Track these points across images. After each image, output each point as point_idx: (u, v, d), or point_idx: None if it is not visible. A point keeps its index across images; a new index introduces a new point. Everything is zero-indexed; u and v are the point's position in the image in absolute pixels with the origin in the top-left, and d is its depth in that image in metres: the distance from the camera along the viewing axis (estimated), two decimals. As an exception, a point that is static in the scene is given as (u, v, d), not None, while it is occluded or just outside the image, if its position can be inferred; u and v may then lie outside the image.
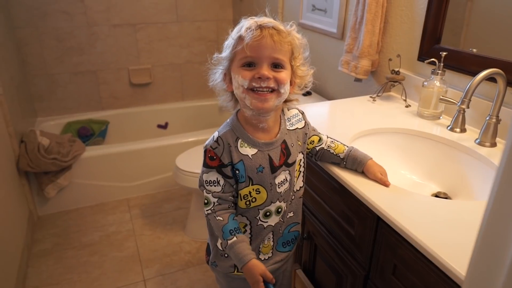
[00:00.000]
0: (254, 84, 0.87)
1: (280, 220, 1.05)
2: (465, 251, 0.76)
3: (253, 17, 0.91)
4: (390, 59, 1.54)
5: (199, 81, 3.11)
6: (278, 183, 0.99)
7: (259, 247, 1.07)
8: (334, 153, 1.08)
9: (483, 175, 1.14)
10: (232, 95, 0.98)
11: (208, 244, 1.15)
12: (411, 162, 1.27)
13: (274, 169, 0.98)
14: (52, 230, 2.27)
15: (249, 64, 0.88)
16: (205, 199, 1.00)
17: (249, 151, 0.96)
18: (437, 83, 1.33)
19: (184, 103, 3.09)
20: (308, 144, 1.08)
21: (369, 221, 0.97)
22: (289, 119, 1.04)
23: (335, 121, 1.35)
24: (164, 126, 3.01)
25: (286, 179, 1.01)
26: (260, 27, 0.87)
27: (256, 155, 0.96)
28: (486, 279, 0.40)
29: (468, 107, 1.11)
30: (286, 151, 1.00)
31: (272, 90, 0.89)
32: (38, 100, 2.75)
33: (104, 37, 2.75)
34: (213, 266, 1.13)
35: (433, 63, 1.34)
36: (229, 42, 0.92)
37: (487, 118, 1.19)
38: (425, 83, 1.36)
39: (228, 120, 1.00)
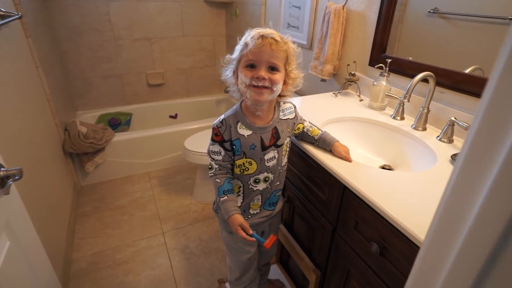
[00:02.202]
0: (253, 82, 0.84)
1: (267, 186, 1.01)
2: (409, 209, 0.75)
3: (259, 28, 0.86)
4: (348, 64, 1.48)
5: (201, 82, 3.01)
6: (267, 159, 0.95)
7: (249, 204, 1.04)
8: (311, 135, 1.04)
9: (417, 152, 1.12)
10: (238, 88, 0.93)
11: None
12: (364, 143, 1.23)
13: (264, 148, 0.94)
14: (92, 196, 2.19)
15: (251, 66, 0.84)
16: (209, 165, 0.98)
17: (245, 132, 0.92)
18: (384, 83, 1.29)
19: (189, 99, 2.98)
20: (295, 130, 1.04)
21: (337, 189, 0.94)
22: (283, 111, 0.99)
23: (308, 111, 1.30)
24: (174, 117, 2.90)
25: (274, 157, 0.97)
26: (262, 36, 0.83)
27: (250, 136, 0.92)
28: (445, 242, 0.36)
29: (409, 101, 1.07)
30: (276, 135, 0.95)
31: (267, 87, 0.85)
32: (77, 97, 2.61)
33: (127, 49, 2.61)
34: (216, 212, 1.11)
35: (381, 67, 1.29)
36: (238, 47, 0.88)
37: (420, 109, 1.16)
38: (375, 83, 1.31)
39: (234, 106, 0.96)
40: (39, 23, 1.98)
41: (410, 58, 1.28)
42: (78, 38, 2.42)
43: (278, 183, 1.05)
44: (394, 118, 1.25)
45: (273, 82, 0.84)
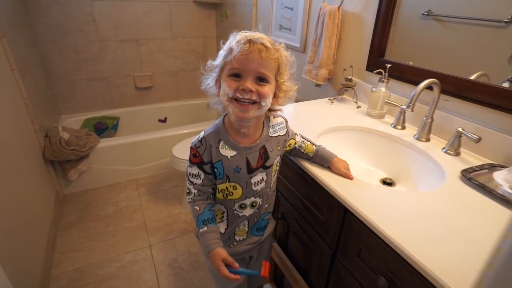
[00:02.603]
0: (238, 94, 0.69)
1: (255, 211, 0.88)
2: (421, 239, 0.64)
3: (246, 31, 0.72)
4: (344, 69, 1.37)
5: (191, 84, 2.87)
6: (254, 182, 0.82)
7: (235, 230, 0.91)
8: (304, 152, 0.91)
9: (422, 165, 1.01)
10: (220, 99, 0.79)
11: None
12: (364, 154, 1.12)
13: (250, 171, 0.80)
14: (75, 205, 2.04)
15: (236, 75, 0.70)
16: (187, 189, 0.84)
17: (228, 152, 0.78)
18: (383, 89, 1.18)
19: (179, 102, 2.84)
20: (286, 147, 0.90)
21: (337, 211, 0.82)
22: (272, 126, 0.85)
23: (303, 120, 1.19)
24: (163, 120, 2.76)
25: (263, 179, 0.83)
26: (250, 41, 0.68)
27: (234, 157, 0.78)
28: None
29: (412, 110, 0.96)
30: (264, 155, 0.82)
31: (254, 102, 0.71)
32: (61, 101, 2.45)
33: (113, 50, 2.46)
34: (198, 238, 0.95)
35: (380, 73, 1.18)
36: (221, 52, 0.74)
37: (424, 118, 1.05)
38: (373, 89, 1.20)
39: (216, 121, 0.81)
40: (15, 22, 1.82)
41: (410, 63, 1.17)
42: (61, 39, 2.26)
43: (267, 205, 0.92)
44: (394, 127, 1.15)
45: (261, 96, 0.70)
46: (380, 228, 0.67)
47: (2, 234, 1.19)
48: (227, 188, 0.81)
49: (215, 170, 0.79)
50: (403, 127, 1.14)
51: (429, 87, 0.98)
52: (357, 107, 1.32)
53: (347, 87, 1.34)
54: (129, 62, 2.55)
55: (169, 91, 2.80)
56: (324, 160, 0.88)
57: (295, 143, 0.92)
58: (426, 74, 1.09)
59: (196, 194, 0.83)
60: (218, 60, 0.74)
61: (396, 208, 0.73)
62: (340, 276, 0.86)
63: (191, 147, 0.79)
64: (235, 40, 0.70)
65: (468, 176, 0.85)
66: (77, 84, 2.44)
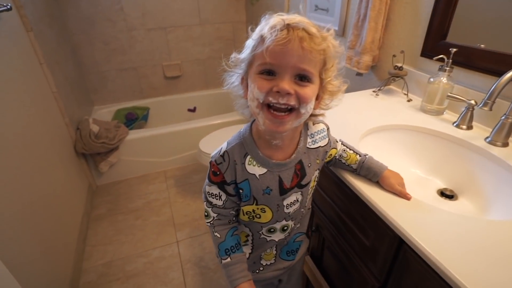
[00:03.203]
0: (270, 98, 0.51)
1: (286, 236, 0.73)
2: None
3: (282, 14, 0.52)
4: (394, 55, 1.14)
5: (220, 73, 2.72)
6: (287, 204, 0.65)
7: (261, 255, 0.75)
8: (346, 164, 0.73)
9: (494, 175, 0.79)
10: (247, 102, 0.61)
11: None
12: (417, 159, 0.91)
13: (283, 191, 0.63)
14: (106, 197, 2.01)
15: (269, 72, 0.51)
16: (205, 211, 0.68)
17: (257, 170, 0.61)
18: (444, 80, 0.95)
19: (208, 91, 2.71)
20: (325, 159, 0.72)
21: (388, 239, 0.64)
22: (312, 135, 0.67)
23: (341, 118, 0.99)
24: (193, 110, 2.66)
25: (297, 200, 0.66)
26: (288, 27, 0.49)
27: (264, 176, 0.61)
28: None
29: (491, 109, 0.74)
30: (300, 172, 0.64)
31: (291, 109, 0.53)
32: (93, 92, 2.41)
33: (141, 39, 2.36)
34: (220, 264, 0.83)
35: (441, 59, 0.95)
36: (249, 42, 0.55)
37: (503, 117, 0.82)
38: (432, 79, 0.97)
39: (241, 130, 0.64)
40: (44, 15, 1.76)
41: (482, 46, 0.92)
42: (90, 30, 2.20)
43: (299, 225, 0.76)
44: (458, 126, 0.92)
45: (301, 100, 0.52)
46: (453, 275, 0.49)
47: (37, 229, 1.16)
48: (253, 210, 0.66)
49: (241, 191, 0.63)
50: (470, 127, 0.91)
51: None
52: (408, 101, 1.09)
53: (396, 77, 1.12)
54: (157, 51, 2.44)
55: (198, 80, 2.67)
56: (372, 173, 0.69)
57: (336, 153, 0.74)
58: (506, 59, 0.84)
59: (215, 218, 0.68)
60: (245, 53, 0.55)
61: (475, 245, 0.54)
62: (390, 315, 0.69)
63: (211, 162, 0.63)
64: (268, 25, 0.51)
65: None
66: (107, 75, 2.39)
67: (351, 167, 0.72)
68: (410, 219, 0.59)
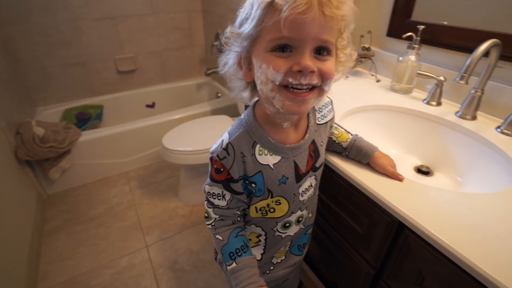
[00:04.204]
0: (290, 79, 0.42)
1: (300, 228, 0.65)
2: None
3: None
4: (362, 36, 1.10)
5: (178, 65, 2.53)
6: (302, 191, 0.57)
7: (273, 254, 0.67)
8: (337, 141, 0.66)
9: (467, 147, 0.78)
10: (248, 84, 0.52)
11: None
12: (392, 138, 0.88)
13: (299, 178, 0.55)
14: (61, 207, 1.77)
15: (283, 48, 0.42)
16: (206, 212, 0.58)
17: (270, 159, 0.52)
18: (413, 58, 0.92)
19: (167, 85, 2.51)
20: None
21: (386, 225, 0.59)
22: (320, 110, 0.59)
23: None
24: (152, 106, 2.46)
25: (311, 185, 0.59)
26: None
27: (279, 164, 0.52)
28: None
29: (467, 83, 0.72)
30: (314, 154, 0.56)
31: (313, 87, 0.44)
32: (35, 91, 2.10)
33: (88, 31, 2.09)
34: (221, 265, 0.71)
35: (409, 38, 0.92)
36: (251, 12, 0.43)
37: (472, 91, 0.81)
38: (400, 58, 0.95)
39: (242, 116, 0.54)
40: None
41: (445, 23, 0.91)
42: (24, 20, 1.89)
43: (311, 215, 0.68)
44: (428, 103, 0.91)
45: (325, 77, 0.43)
46: (462, 255, 0.44)
47: None
48: (268, 205, 0.56)
49: (253, 185, 0.53)
50: (439, 103, 0.90)
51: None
52: (377, 81, 1.07)
53: (364, 58, 1.08)
54: (107, 44, 2.19)
55: (155, 74, 2.46)
56: (362, 154, 0.63)
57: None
58: (471, 35, 0.84)
59: (217, 219, 0.58)
60: (248, 26, 0.43)
61: (473, 219, 0.50)
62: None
63: (212, 159, 0.53)
64: None
65: (549, 165, 0.62)
66: (51, 72, 2.09)
67: (341, 145, 0.66)
68: (408, 201, 0.54)
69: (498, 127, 0.77)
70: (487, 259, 0.43)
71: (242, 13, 0.45)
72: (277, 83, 0.43)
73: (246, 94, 0.52)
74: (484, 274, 0.42)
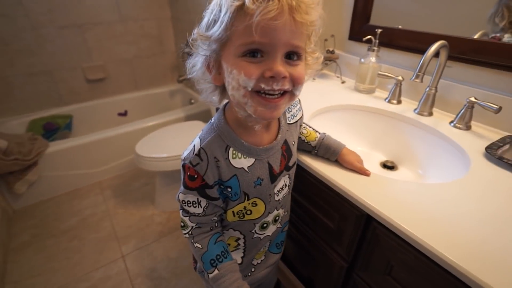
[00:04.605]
0: (263, 85, 0.41)
1: (277, 227, 0.63)
2: (479, 251, 0.43)
3: None
4: (326, 39, 1.12)
5: (149, 72, 2.46)
6: (277, 191, 0.56)
7: (253, 256, 0.65)
8: (306, 141, 0.66)
9: (426, 142, 0.82)
10: (217, 87, 0.49)
11: None
12: (358, 135, 0.91)
13: (274, 178, 0.54)
14: (29, 221, 1.65)
15: (254, 53, 0.40)
16: (181, 221, 0.55)
17: (244, 162, 0.50)
18: (373, 59, 0.96)
19: (139, 93, 2.43)
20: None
21: (355, 219, 0.59)
22: (289, 110, 0.59)
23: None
24: (124, 114, 2.36)
25: (286, 184, 0.58)
26: None
27: (253, 167, 0.51)
28: None
29: (422, 81, 0.75)
30: (287, 153, 0.56)
31: (285, 92, 0.43)
32: (-2, 102, 1.95)
33: (52, 39, 1.97)
34: (202, 274, 0.68)
35: (369, 41, 0.95)
36: (219, 14, 0.41)
37: (427, 89, 0.85)
38: (362, 60, 0.98)
39: (212, 120, 0.52)
40: None
41: (400, 26, 0.95)
42: (-20, 27, 1.76)
43: (286, 213, 0.67)
44: (389, 101, 0.94)
45: (296, 81, 0.43)
46: (426, 243, 0.45)
47: None
48: (244, 207, 0.55)
49: (229, 190, 0.51)
50: (399, 101, 0.94)
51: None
52: (342, 82, 1.09)
53: (329, 61, 1.11)
54: (74, 52, 2.08)
55: (126, 81, 2.38)
56: (330, 152, 0.64)
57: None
58: (423, 37, 0.88)
59: (194, 227, 0.55)
60: (216, 30, 0.41)
61: (433, 208, 0.52)
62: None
63: (184, 166, 0.50)
64: None
65: (496, 155, 0.66)
66: (13, 81, 1.95)
67: (310, 144, 0.66)
68: (375, 195, 0.55)
69: (451, 122, 0.82)
70: (446, 243, 0.45)
71: (209, 14, 0.43)
72: (249, 89, 0.42)
73: (215, 97, 0.50)
74: (443, 257, 0.43)
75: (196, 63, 0.48)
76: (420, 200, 0.54)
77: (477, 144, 0.72)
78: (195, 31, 0.45)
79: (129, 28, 2.22)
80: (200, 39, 0.44)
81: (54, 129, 2.05)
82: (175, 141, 1.56)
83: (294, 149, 0.59)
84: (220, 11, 0.41)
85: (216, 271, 0.54)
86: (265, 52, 0.40)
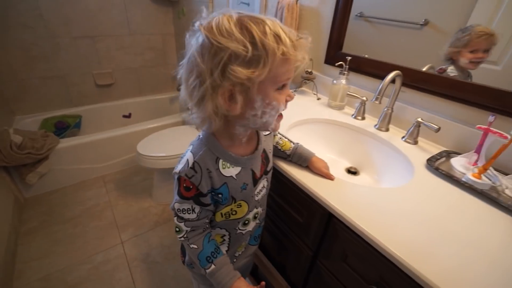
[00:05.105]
0: (283, 107, 0.50)
1: (256, 223, 0.66)
2: (413, 243, 0.48)
3: (270, 20, 0.42)
4: (304, 63, 1.17)
5: (153, 80, 2.45)
6: (257, 192, 0.59)
7: (236, 249, 0.68)
8: (282, 150, 0.69)
9: (383, 153, 0.87)
10: (219, 115, 0.46)
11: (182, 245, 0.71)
12: (328, 145, 0.95)
13: (255, 182, 0.57)
14: (38, 209, 1.62)
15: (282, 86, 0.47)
16: (176, 227, 0.56)
17: (232, 171, 0.53)
18: (343, 82, 1.01)
19: (142, 98, 2.42)
20: None
21: (319, 215, 0.63)
22: None
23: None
24: (128, 116, 2.35)
25: (264, 186, 0.61)
26: (295, 41, 0.44)
27: (240, 174, 0.54)
28: None
29: (380, 103, 0.80)
30: (265, 160, 0.59)
31: None
32: (13, 101, 1.90)
33: (66, 47, 1.96)
34: (190, 267, 0.70)
35: (341, 66, 1.00)
36: (259, 55, 0.40)
37: (385, 109, 0.90)
38: (334, 81, 1.02)
39: (201, 136, 0.53)
40: None
41: (366, 56, 1.01)
42: (3, 35, 1.72)
43: (263, 210, 0.70)
44: (355, 117, 0.99)
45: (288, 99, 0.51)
46: (373, 237, 0.50)
47: None
48: (231, 209, 0.57)
49: (219, 196, 0.53)
50: (363, 118, 0.99)
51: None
52: (318, 99, 1.14)
53: (307, 80, 1.15)
54: (85, 60, 2.07)
55: (131, 87, 2.36)
56: (302, 159, 0.68)
57: (275, 140, 0.70)
58: (382, 66, 0.94)
59: (189, 231, 0.56)
60: (260, 71, 0.41)
61: (382, 209, 0.56)
62: (323, 279, 0.69)
63: (179, 178, 0.51)
64: (281, 37, 0.41)
65: (434, 166, 0.72)
66: (30, 83, 1.92)
67: (285, 153, 0.70)
68: (336, 196, 0.59)
69: (403, 137, 0.87)
70: (388, 237, 0.49)
71: (242, 52, 0.40)
72: (279, 112, 0.50)
73: (216, 122, 0.47)
74: (385, 248, 0.47)
75: (205, 93, 0.44)
76: (372, 202, 0.58)
77: (421, 156, 0.77)
78: (235, 68, 0.41)
79: (136, 41, 2.22)
80: (245, 78, 0.41)
81: (64, 127, 2.02)
82: (172, 142, 1.58)
83: (270, 156, 0.62)
84: (259, 52, 0.41)
85: (212, 266, 0.55)
86: (286, 84, 0.47)
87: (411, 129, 0.85)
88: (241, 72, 0.41)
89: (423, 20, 0.84)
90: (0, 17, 1.68)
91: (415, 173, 0.70)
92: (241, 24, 0.42)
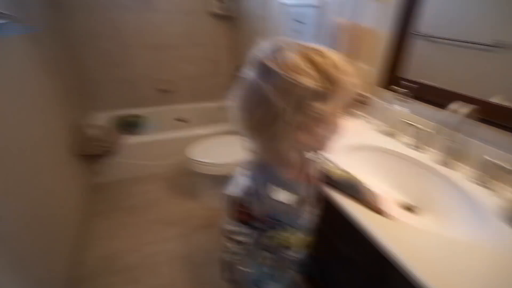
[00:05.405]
0: None
1: (301, 248, 0.65)
2: None
3: (329, 50, 0.43)
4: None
5: (207, 88, 2.56)
6: (304, 216, 0.58)
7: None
8: (330, 176, 0.69)
9: (445, 192, 0.77)
10: (298, 145, 0.47)
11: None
12: (380, 174, 0.87)
13: (303, 206, 0.56)
14: (105, 195, 1.81)
15: None
16: (225, 247, 0.55)
17: (284, 196, 0.52)
18: (399, 107, 0.94)
19: (196, 104, 2.55)
20: None
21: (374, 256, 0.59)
22: None
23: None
24: (184, 120, 2.50)
25: (310, 211, 0.60)
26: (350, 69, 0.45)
27: (291, 199, 0.53)
28: None
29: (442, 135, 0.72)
30: (314, 186, 0.59)
31: None
32: (91, 99, 2.16)
33: (137, 56, 2.17)
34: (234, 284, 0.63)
35: (396, 90, 0.93)
36: (329, 87, 0.42)
37: (449, 143, 0.81)
38: (388, 106, 0.97)
39: (256, 161, 0.53)
40: (45, 25, 1.55)
41: (426, 82, 0.92)
42: (92, 44, 2.00)
43: (308, 235, 0.67)
44: (413, 147, 0.90)
45: None
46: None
47: (36, 225, 1.06)
48: (278, 232, 0.56)
49: (270, 220, 0.53)
50: (421, 148, 0.90)
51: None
52: (369, 124, 1.07)
53: (359, 103, 1.09)
54: (151, 67, 2.26)
55: (188, 94, 2.51)
56: (354, 189, 0.65)
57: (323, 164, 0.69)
58: (446, 94, 0.84)
59: (238, 252, 0.55)
60: (331, 104, 0.43)
61: (462, 270, 0.50)
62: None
63: (232, 200, 0.52)
64: (341, 67, 0.43)
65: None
66: (106, 85, 2.17)
67: (332, 178, 0.69)
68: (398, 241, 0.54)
69: (471, 177, 0.77)
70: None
71: (316, 87, 0.42)
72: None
73: (294, 154, 0.48)
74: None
75: (279, 130, 0.44)
76: (445, 256, 0.51)
77: (494, 203, 0.67)
78: (316, 105, 0.42)
79: (194, 52, 2.36)
80: (324, 113, 0.43)
81: (130, 125, 2.22)
82: (220, 150, 1.62)
83: (317, 182, 0.60)
84: (329, 83, 0.42)
85: None
86: None
87: (480, 168, 0.74)
88: (318, 107, 0.43)
89: (495, 41, 0.72)
90: (92, 30, 1.95)
91: (491, 225, 0.61)
92: (306, 57, 0.42)
